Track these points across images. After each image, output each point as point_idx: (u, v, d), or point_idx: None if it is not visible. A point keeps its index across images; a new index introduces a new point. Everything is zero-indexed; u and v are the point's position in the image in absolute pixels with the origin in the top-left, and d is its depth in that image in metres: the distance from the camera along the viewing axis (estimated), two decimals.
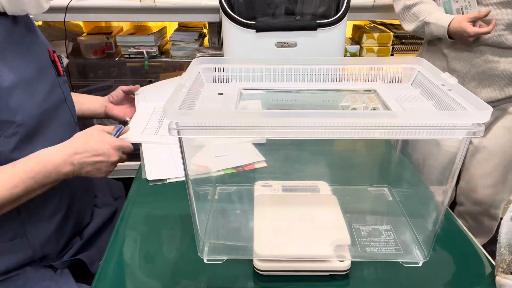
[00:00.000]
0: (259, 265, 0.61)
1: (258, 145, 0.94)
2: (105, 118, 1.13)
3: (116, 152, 0.80)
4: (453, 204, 1.47)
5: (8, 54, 0.74)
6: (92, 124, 0.89)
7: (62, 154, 0.74)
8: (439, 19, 1.18)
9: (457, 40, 1.20)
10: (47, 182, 0.73)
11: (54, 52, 0.88)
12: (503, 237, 0.60)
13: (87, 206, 0.92)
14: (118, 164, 0.83)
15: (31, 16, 0.86)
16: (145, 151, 0.91)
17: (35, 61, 0.80)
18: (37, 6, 0.77)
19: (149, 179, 0.84)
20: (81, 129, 0.85)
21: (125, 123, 0.89)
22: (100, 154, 0.77)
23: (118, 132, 0.87)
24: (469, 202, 1.36)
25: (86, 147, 0.76)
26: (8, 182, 0.68)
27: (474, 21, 1.14)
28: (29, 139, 0.75)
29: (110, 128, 0.85)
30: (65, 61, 0.96)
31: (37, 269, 0.79)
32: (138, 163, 0.92)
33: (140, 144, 0.94)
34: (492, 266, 0.65)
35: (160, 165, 0.88)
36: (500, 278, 0.59)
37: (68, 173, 0.75)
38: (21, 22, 0.80)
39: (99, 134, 0.80)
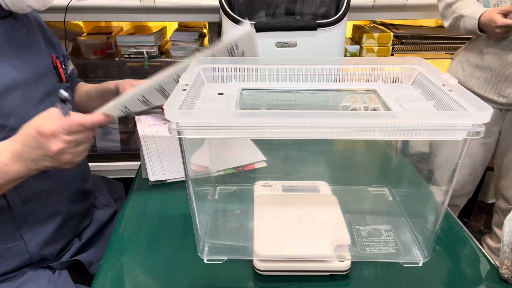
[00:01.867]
0: (259, 265, 0.61)
1: (258, 145, 0.94)
2: None
3: (51, 139, 0.63)
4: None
5: (5, 57, 0.73)
6: None
7: (7, 152, 0.65)
8: (473, 11, 1.19)
9: (488, 33, 1.19)
10: None
11: (57, 58, 0.87)
12: (506, 236, 0.60)
13: (87, 209, 0.91)
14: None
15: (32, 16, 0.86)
16: (146, 152, 0.91)
17: (34, 65, 0.80)
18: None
19: (151, 180, 0.84)
20: None
21: (63, 100, 0.71)
22: (33, 145, 0.64)
23: (65, 112, 0.67)
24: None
25: (24, 139, 0.64)
26: None
27: (506, 14, 1.13)
28: None
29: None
30: (71, 67, 0.94)
31: (35, 269, 0.79)
32: (138, 163, 0.91)
33: (140, 144, 0.93)
34: (492, 266, 0.65)
35: (161, 165, 0.88)
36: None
37: (22, 171, 0.65)
38: (21, 26, 0.80)
39: (38, 124, 0.64)
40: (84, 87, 1.04)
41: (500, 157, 1.39)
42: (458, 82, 1.29)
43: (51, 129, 0.63)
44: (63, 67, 0.89)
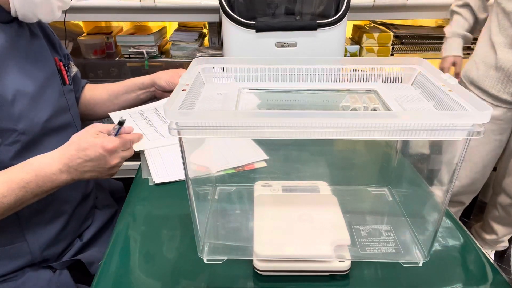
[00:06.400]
0: (259, 265, 0.61)
1: (259, 144, 0.94)
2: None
3: (112, 155, 0.75)
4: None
5: (12, 62, 0.74)
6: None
7: (56, 163, 0.72)
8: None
9: None
10: (40, 192, 0.71)
11: (60, 61, 0.88)
12: None
13: (88, 210, 0.91)
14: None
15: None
16: (148, 155, 0.91)
17: (41, 69, 0.80)
18: (49, 12, 0.77)
19: (156, 183, 0.84)
20: None
21: (121, 123, 0.82)
22: (95, 159, 0.73)
23: (117, 133, 0.81)
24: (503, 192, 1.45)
25: (80, 154, 0.73)
26: None
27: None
28: (29, 148, 0.75)
29: (109, 127, 0.80)
30: (74, 70, 0.95)
31: (36, 269, 0.79)
32: (138, 163, 0.91)
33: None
34: (491, 265, 0.65)
35: (164, 167, 0.87)
36: None
37: (66, 181, 0.73)
38: (25, 31, 0.80)
39: (93, 137, 0.75)
40: (102, 88, 1.07)
41: (508, 154, 1.40)
42: (473, 82, 1.36)
43: (114, 146, 0.75)
44: (66, 69, 0.89)
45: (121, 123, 0.82)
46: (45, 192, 0.72)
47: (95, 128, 0.77)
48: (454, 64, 1.41)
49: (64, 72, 0.88)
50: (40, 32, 0.85)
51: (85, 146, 0.73)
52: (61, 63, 0.87)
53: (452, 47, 1.42)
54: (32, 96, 0.75)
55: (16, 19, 0.77)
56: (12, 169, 0.70)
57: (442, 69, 1.41)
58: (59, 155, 0.73)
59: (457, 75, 1.42)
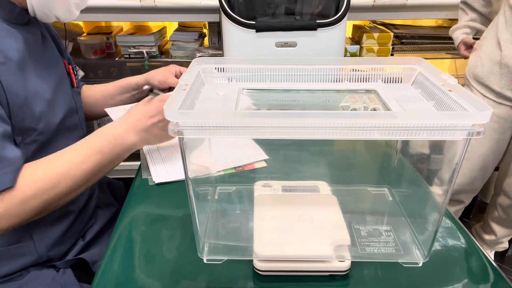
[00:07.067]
0: (259, 265, 0.61)
1: (259, 144, 0.94)
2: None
3: None
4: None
5: (30, 65, 0.74)
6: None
7: (122, 125, 0.77)
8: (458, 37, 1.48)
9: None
10: (113, 157, 0.75)
11: (69, 64, 0.88)
12: None
13: (92, 209, 0.92)
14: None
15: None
16: (148, 155, 0.91)
17: (53, 72, 0.81)
18: (66, 10, 0.77)
19: (156, 182, 0.84)
20: None
21: (151, 90, 0.89)
22: (156, 114, 0.78)
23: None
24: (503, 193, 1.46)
25: (142, 112, 0.78)
26: (75, 158, 0.71)
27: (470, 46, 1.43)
28: (43, 148, 0.76)
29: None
30: (80, 73, 0.96)
31: (40, 268, 0.80)
32: (138, 163, 0.91)
33: None
34: (491, 265, 0.65)
35: (164, 167, 0.87)
36: None
37: (134, 143, 0.78)
38: (38, 33, 0.80)
39: (149, 99, 0.81)
40: (96, 89, 1.07)
41: (510, 155, 1.40)
42: (477, 78, 1.34)
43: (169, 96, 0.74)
44: (75, 72, 0.90)
45: (151, 90, 0.88)
46: (117, 157, 0.77)
47: (146, 98, 0.83)
48: (467, 45, 1.41)
49: (73, 75, 0.89)
50: (49, 36, 0.85)
51: (148, 104, 0.79)
52: (70, 66, 0.89)
53: (458, 36, 1.45)
54: (48, 98, 0.76)
55: (30, 20, 0.77)
56: (88, 137, 0.76)
57: (464, 57, 1.43)
58: (123, 119, 0.79)
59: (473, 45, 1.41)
